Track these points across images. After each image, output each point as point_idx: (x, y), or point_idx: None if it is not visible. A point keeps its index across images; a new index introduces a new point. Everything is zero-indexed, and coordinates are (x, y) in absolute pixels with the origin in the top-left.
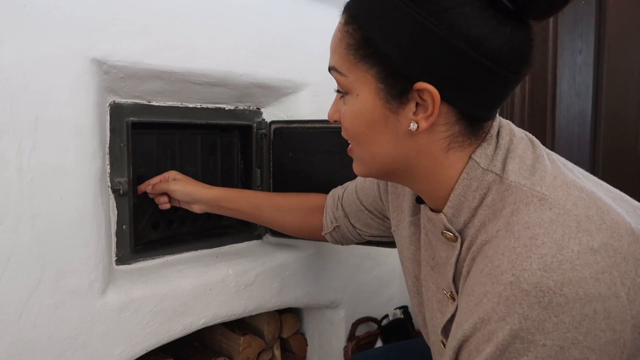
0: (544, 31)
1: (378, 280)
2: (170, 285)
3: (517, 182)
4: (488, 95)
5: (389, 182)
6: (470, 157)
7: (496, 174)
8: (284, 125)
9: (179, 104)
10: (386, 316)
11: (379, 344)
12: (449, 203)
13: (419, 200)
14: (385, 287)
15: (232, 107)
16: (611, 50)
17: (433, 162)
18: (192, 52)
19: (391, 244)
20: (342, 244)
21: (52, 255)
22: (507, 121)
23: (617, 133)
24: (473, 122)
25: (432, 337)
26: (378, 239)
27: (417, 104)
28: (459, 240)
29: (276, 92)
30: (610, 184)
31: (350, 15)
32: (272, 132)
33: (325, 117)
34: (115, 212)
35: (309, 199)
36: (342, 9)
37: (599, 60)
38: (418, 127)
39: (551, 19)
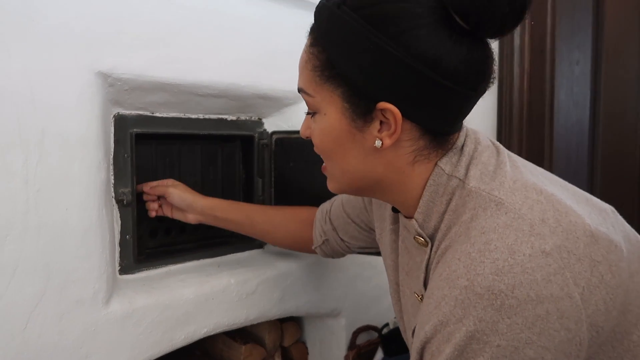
0: (542, 42)
1: (379, 288)
2: (173, 294)
3: (477, 187)
4: (448, 111)
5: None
6: (436, 164)
7: (459, 179)
8: (286, 136)
9: (181, 115)
10: (387, 324)
11: (379, 352)
12: (419, 209)
13: (395, 210)
14: (385, 296)
15: (234, 118)
16: (608, 61)
17: (400, 175)
18: (195, 64)
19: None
20: (333, 257)
21: (58, 265)
22: (475, 130)
23: (615, 142)
24: (437, 135)
25: (409, 340)
26: (366, 250)
27: (381, 122)
28: (430, 244)
29: (278, 102)
30: (608, 191)
31: (315, 37)
32: (273, 142)
33: None
34: (119, 222)
35: (300, 213)
36: (308, 30)
37: (596, 71)
38: (382, 144)
39: (549, 31)
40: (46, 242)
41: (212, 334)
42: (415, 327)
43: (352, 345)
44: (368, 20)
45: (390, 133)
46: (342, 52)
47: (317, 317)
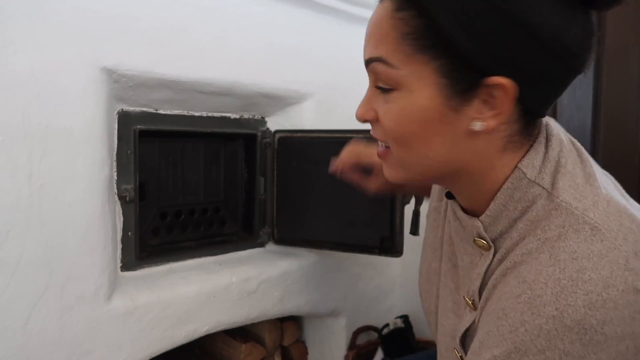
0: None
1: (379, 289)
2: (174, 292)
3: (568, 203)
4: (555, 90)
5: None
6: (516, 166)
7: (544, 187)
8: (289, 135)
9: (185, 113)
10: (387, 325)
11: (379, 353)
12: (488, 212)
13: (449, 195)
14: (386, 296)
15: (237, 116)
16: (610, 65)
17: (485, 164)
18: (200, 62)
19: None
20: None
21: (60, 261)
22: (557, 125)
23: (616, 145)
24: (532, 118)
25: (440, 335)
26: None
27: (483, 101)
28: (492, 249)
29: (281, 101)
30: None
31: (402, 0)
32: (276, 141)
33: (329, 127)
34: (121, 218)
35: None
36: None
37: (598, 75)
38: (485, 126)
39: None
40: (49, 238)
41: (213, 332)
42: (462, 331)
43: (352, 346)
44: None
45: (496, 113)
46: (453, 16)
47: (317, 317)
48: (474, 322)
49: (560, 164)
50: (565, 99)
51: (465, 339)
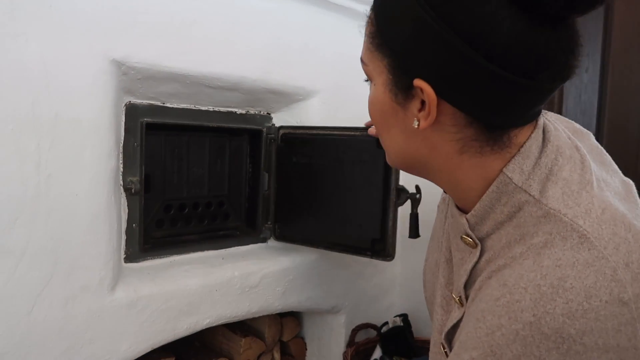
0: None
1: (379, 287)
2: (177, 284)
3: (557, 210)
4: (497, 101)
5: None
6: (502, 170)
7: (530, 194)
8: (291, 131)
9: (192, 107)
10: (386, 323)
11: (377, 350)
12: (474, 211)
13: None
14: (386, 295)
15: (244, 112)
16: (615, 70)
17: (447, 162)
18: (208, 57)
19: None
20: None
21: (65, 250)
22: (559, 134)
23: (620, 149)
24: (490, 127)
25: (433, 328)
26: None
27: (422, 102)
28: (479, 247)
29: (287, 98)
30: None
31: (373, 2)
32: (279, 137)
33: (335, 124)
34: (126, 210)
35: None
36: None
37: (603, 80)
38: (419, 124)
39: None
40: (55, 227)
41: (214, 325)
42: (447, 328)
43: (350, 343)
44: None
45: (426, 114)
46: (386, 20)
47: (317, 313)
48: (460, 319)
49: (552, 172)
50: (570, 103)
51: (451, 335)
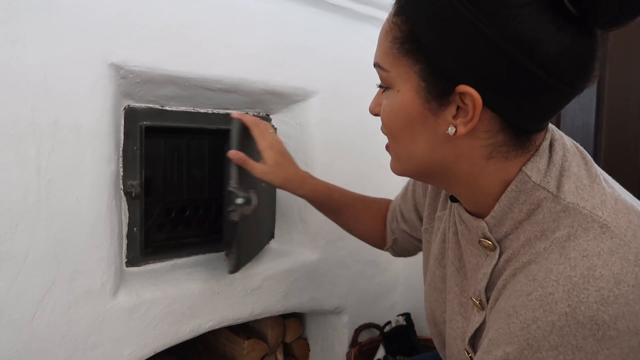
0: None
1: (381, 287)
2: (179, 287)
3: (575, 203)
4: (537, 106)
5: (427, 186)
6: (520, 169)
7: (549, 191)
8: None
9: (191, 109)
10: (389, 323)
11: (381, 350)
12: (493, 213)
13: (453, 199)
14: (388, 294)
15: (243, 113)
16: (613, 65)
17: (473, 169)
18: (206, 59)
19: None
20: (405, 256)
21: (67, 255)
22: (559, 132)
23: (619, 145)
24: (519, 132)
25: (450, 339)
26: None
27: (458, 107)
28: (498, 250)
29: (286, 99)
30: None
31: (400, 5)
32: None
33: (335, 126)
34: (127, 214)
35: (381, 211)
36: None
37: (601, 75)
38: (456, 131)
39: None
40: (56, 232)
41: (217, 327)
42: (471, 332)
43: (354, 343)
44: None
45: (467, 121)
46: (428, 24)
47: (320, 314)
48: (483, 322)
49: (564, 168)
50: None
51: (475, 340)
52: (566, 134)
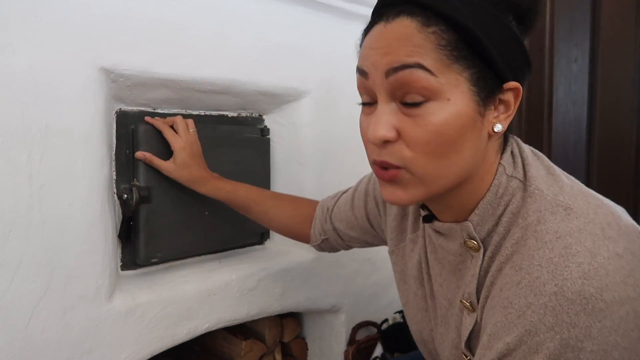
0: (541, 41)
1: (378, 285)
2: (174, 290)
3: (540, 189)
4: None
5: (387, 205)
6: (499, 162)
7: (520, 180)
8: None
9: (183, 112)
10: (386, 320)
11: (378, 348)
12: (477, 210)
13: (426, 219)
14: (385, 292)
15: (235, 114)
16: (605, 59)
17: (485, 167)
18: (197, 61)
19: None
20: (328, 252)
21: (61, 261)
22: None
23: (612, 139)
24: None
25: (446, 352)
26: (366, 246)
27: (495, 106)
28: (482, 249)
29: (278, 99)
30: (605, 189)
31: (427, 17)
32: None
33: (327, 125)
34: (121, 218)
35: (300, 210)
36: (396, 9)
37: (593, 69)
38: (503, 127)
39: (547, 29)
40: (50, 238)
41: (213, 329)
42: (466, 337)
43: (351, 341)
44: (492, 2)
45: (507, 115)
46: (480, 29)
47: (317, 313)
48: (476, 322)
49: (524, 158)
50: (560, 94)
51: (471, 342)
52: (558, 128)
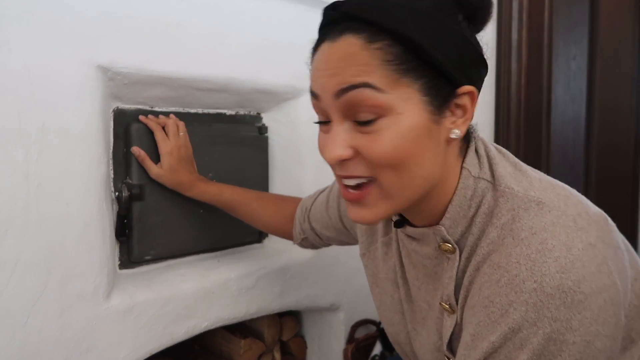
0: (539, 38)
1: None
2: (173, 289)
3: (510, 187)
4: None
5: None
6: (462, 166)
7: (488, 181)
8: None
9: (181, 110)
10: None
11: (377, 346)
12: (447, 214)
13: (397, 224)
14: None
15: (233, 113)
16: (604, 56)
17: (448, 170)
18: (195, 59)
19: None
20: (312, 249)
21: (58, 260)
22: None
23: (610, 136)
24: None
25: (427, 355)
26: (344, 244)
27: (450, 111)
28: (457, 251)
29: (277, 97)
30: (604, 185)
31: (372, 32)
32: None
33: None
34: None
35: (284, 210)
36: (335, 31)
37: (592, 66)
38: (460, 133)
39: (546, 26)
40: (47, 237)
41: (212, 328)
42: (448, 339)
43: (350, 339)
44: (437, 7)
45: (465, 119)
46: (427, 39)
47: (316, 312)
48: (456, 323)
49: (490, 157)
50: (559, 91)
51: (452, 343)
52: (557, 126)
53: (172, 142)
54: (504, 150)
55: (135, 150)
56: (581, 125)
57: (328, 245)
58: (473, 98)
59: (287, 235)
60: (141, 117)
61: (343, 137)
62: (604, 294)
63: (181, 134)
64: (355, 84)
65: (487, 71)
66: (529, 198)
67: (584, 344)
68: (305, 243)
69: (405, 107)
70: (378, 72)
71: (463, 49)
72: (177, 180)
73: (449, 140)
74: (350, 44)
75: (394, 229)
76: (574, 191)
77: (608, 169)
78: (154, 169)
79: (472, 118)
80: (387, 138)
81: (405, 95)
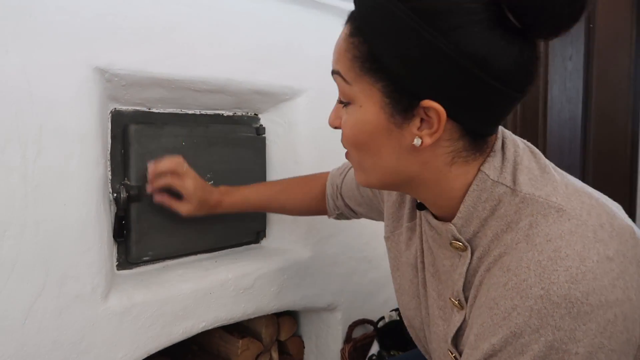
0: None
1: (374, 282)
2: (171, 289)
3: (531, 193)
4: (492, 113)
5: (384, 192)
6: (479, 169)
7: (507, 186)
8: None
9: (178, 111)
10: (382, 318)
11: (375, 345)
12: (459, 214)
13: (419, 207)
14: (381, 290)
15: (231, 114)
16: (600, 57)
17: (436, 175)
18: (192, 60)
19: None
20: (349, 220)
21: (56, 261)
22: (509, 132)
23: (607, 137)
24: (477, 137)
25: (434, 343)
26: (377, 219)
27: (421, 120)
28: (469, 249)
29: (274, 98)
30: (600, 186)
31: (355, 27)
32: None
33: (322, 123)
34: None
35: (312, 191)
36: (347, 17)
37: (588, 67)
38: (422, 142)
39: None
40: (45, 238)
41: (210, 328)
42: (453, 333)
43: (348, 339)
44: (418, 13)
45: (432, 132)
46: (388, 45)
47: (314, 311)
48: (464, 320)
49: (517, 162)
50: (555, 92)
51: (457, 339)
52: (553, 126)
53: (188, 181)
54: (537, 151)
55: (159, 199)
56: (577, 126)
57: (362, 218)
58: (438, 115)
59: (322, 212)
60: (148, 188)
61: (337, 110)
62: (615, 308)
63: (185, 168)
64: (334, 70)
65: (471, 92)
66: (550, 204)
67: (586, 355)
68: (341, 216)
69: (366, 102)
70: (347, 64)
71: (435, 64)
72: (207, 208)
73: (416, 146)
74: (344, 33)
75: (418, 215)
76: (604, 199)
77: (605, 169)
78: (184, 208)
79: (439, 133)
80: (348, 122)
81: (368, 92)
